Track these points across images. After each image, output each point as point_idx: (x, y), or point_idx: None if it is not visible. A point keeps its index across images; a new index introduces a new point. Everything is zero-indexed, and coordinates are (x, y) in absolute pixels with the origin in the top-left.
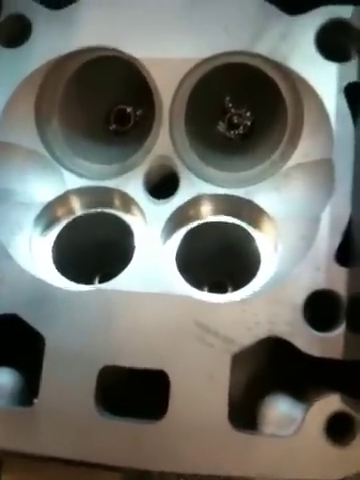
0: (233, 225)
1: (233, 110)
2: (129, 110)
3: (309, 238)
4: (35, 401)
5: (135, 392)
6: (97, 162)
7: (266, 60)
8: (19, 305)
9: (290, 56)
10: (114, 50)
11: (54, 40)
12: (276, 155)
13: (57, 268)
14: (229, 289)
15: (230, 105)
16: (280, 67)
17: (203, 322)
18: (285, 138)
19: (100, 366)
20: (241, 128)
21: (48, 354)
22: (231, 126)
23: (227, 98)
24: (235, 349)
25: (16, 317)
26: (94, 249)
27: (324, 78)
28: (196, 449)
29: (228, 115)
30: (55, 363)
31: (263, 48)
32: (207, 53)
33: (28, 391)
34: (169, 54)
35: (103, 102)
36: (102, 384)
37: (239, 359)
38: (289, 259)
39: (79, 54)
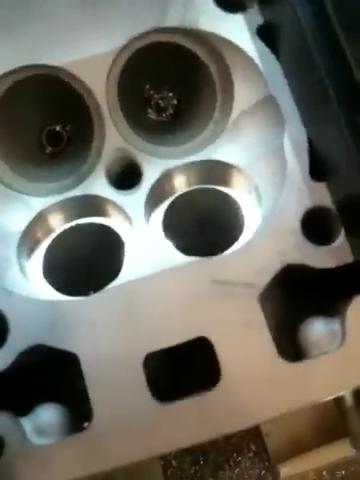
0: (207, 190)
1: (156, 95)
2: (59, 128)
3: (280, 170)
4: (85, 425)
5: (179, 370)
6: (53, 181)
7: (179, 31)
8: (40, 334)
9: (199, 19)
10: (31, 67)
11: None
12: (216, 114)
13: (54, 288)
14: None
15: (151, 92)
16: (193, 34)
17: (220, 278)
18: (218, 97)
19: (142, 357)
20: (170, 109)
21: (87, 370)
22: (159, 110)
23: (147, 85)
24: (258, 291)
25: (42, 347)
26: (85, 259)
27: (235, 29)
28: (260, 398)
29: (153, 101)
30: (97, 375)
31: (173, 20)
32: (121, 41)
33: (75, 419)
34: (87, 52)
35: (33, 125)
36: (150, 374)
37: (266, 299)
38: (271, 195)
39: None
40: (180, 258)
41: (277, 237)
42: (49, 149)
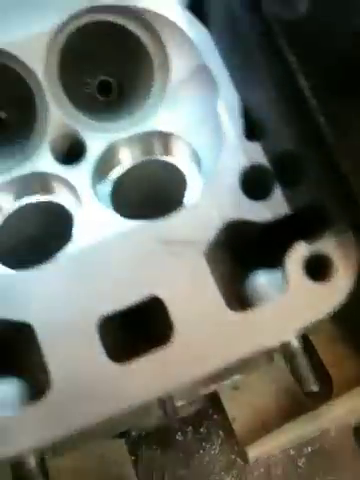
0: (150, 160)
1: (96, 76)
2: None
3: (217, 133)
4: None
5: (135, 330)
6: None
7: (113, 9)
8: None
9: None
10: None
11: None
12: (155, 88)
13: (4, 265)
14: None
15: (91, 71)
16: (128, 11)
17: (166, 237)
18: (155, 71)
19: (96, 320)
20: (111, 88)
21: (42, 339)
22: (100, 90)
23: (86, 65)
24: (203, 247)
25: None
26: (34, 234)
27: (167, 4)
28: (211, 348)
29: (92, 81)
30: (52, 343)
31: None
32: (56, 20)
33: (32, 392)
34: (25, 33)
35: None
36: (105, 337)
37: (212, 255)
38: (210, 157)
39: None
40: (127, 224)
41: (218, 196)
42: None
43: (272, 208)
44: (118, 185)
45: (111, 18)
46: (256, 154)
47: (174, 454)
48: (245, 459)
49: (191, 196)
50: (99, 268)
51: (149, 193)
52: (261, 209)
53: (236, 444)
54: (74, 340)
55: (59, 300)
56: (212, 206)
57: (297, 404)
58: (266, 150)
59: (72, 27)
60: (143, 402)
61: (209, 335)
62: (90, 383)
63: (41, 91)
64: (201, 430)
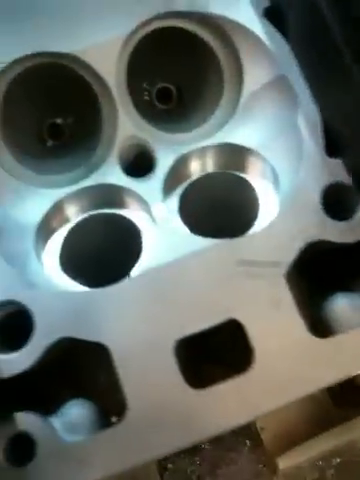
0: (222, 173)
1: (159, 84)
2: (60, 122)
3: (296, 148)
4: (113, 419)
5: (211, 355)
6: (61, 172)
7: (186, 16)
8: (66, 326)
9: (208, 4)
10: (39, 55)
11: None
12: (224, 98)
13: (72, 278)
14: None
15: (155, 80)
16: (202, 18)
17: (244, 258)
18: (225, 81)
19: (173, 343)
20: (173, 96)
21: (118, 360)
22: (161, 99)
23: (151, 72)
24: (284, 269)
25: (68, 341)
26: (102, 248)
27: (243, 11)
28: (294, 375)
29: (155, 90)
30: (128, 365)
31: (181, 4)
32: (130, 27)
33: (103, 413)
34: (97, 39)
35: (36, 118)
36: (181, 360)
37: (291, 276)
38: (289, 174)
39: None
40: (200, 241)
41: (298, 215)
42: (51, 142)
43: (355, 229)
44: (187, 199)
45: (181, 24)
46: (338, 171)
47: (201, 463)
48: (273, 469)
49: (266, 215)
50: (175, 288)
51: (219, 208)
52: (344, 230)
53: (264, 454)
54: (150, 363)
55: (135, 320)
56: (293, 225)
57: (325, 413)
58: (348, 167)
59: (141, 33)
60: (223, 431)
61: (292, 361)
62: (167, 409)
63: (110, 98)
64: (228, 439)
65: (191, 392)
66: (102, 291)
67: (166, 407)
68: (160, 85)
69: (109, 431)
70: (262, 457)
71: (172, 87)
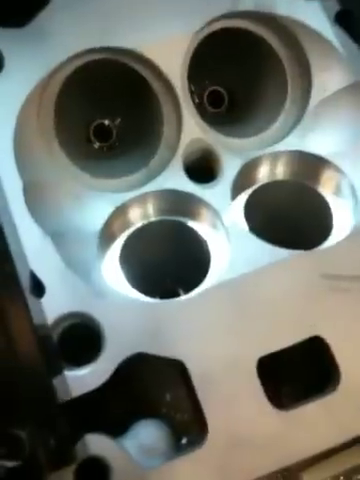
0: (290, 183)
1: (213, 86)
2: (107, 123)
3: None
4: (183, 440)
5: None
6: (116, 176)
7: (250, 16)
8: (139, 341)
9: (276, 5)
10: (104, 50)
11: (30, 64)
12: (288, 103)
13: (133, 287)
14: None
15: (208, 83)
16: (267, 19)
17: (328, 271)
18: (289, 85)
19: (256, 361)
20: (225, 100)
21: (196, 375)
22: (215, 102)
23: (209, 74)
24: None
25: (141, 356)
26: (168, 258)
27: (313, 15)
28: None
29: (207, 92)
30: (207, 384)
31: (248, 4)
32: (198, 25)
33: (175, 434)
34: (162, 36)
35: (86, 118)
36: (264, 379)
37: None
38: None
39: (59, 70)
40: (279, 254)
41: None
42: (97, 144)
43: None
44: (254, 207)
45: (245, 25)
46: None
47: None
48: None
49: (341, 223)
50: (255, 301)
51: (290, 218)
52: None
53: (287, 469)
54: (233, 382)
55: (214, 335)
56: None
57: None
58: None
59: (203, 33)
60: (314, 454)
61: None
62: (252, 432)
63: (173, 99)
64: None
65: (276, 413)
66: (177, 302)
67: (251, 429)
68: (212, 88)
69: (190, 456)
70: (285, 472)
71: (223, 90)
